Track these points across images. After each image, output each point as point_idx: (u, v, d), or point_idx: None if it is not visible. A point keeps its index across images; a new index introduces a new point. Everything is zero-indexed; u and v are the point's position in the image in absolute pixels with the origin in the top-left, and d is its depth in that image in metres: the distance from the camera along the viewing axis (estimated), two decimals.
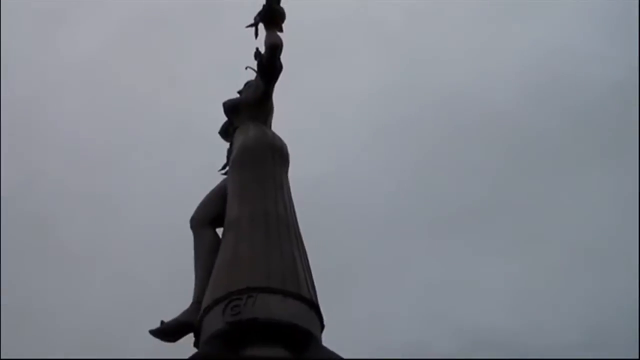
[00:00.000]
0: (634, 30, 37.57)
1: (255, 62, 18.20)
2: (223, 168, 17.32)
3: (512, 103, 41.71)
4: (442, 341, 33.12)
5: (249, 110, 16.88)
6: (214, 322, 13.26)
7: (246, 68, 18.27)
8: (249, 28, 16.94)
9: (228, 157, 17.31)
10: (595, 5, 42.85)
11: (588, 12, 43.15)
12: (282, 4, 16.77)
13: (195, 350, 13.87)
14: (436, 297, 35.45)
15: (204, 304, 13.75)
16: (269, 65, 16.37)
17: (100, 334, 32.72)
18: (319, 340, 13.56)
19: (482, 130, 41.20)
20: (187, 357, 13.29)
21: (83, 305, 35.01)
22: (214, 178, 17.07)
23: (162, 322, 14.41)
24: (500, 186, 39.90)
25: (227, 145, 17.37)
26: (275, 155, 15.84)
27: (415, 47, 43.53)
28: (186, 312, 14.36)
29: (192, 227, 15.72)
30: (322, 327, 13.88)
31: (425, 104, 41.74)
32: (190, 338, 14.28)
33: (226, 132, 17.51)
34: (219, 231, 15.55)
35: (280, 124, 17.44)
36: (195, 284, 14.78)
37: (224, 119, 17.65)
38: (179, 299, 15.03)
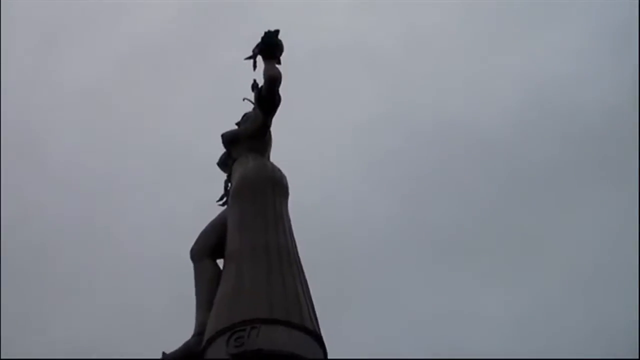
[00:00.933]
0: (626, 56, 37.92)
1: (253, 94, 18.49)
2: (221, 199, 17.41)
3: (506, 131, 42.09)
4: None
5: (248, 142, 16.97)
6: (218, 354, 13.16)
7: (244, 100, 18.44)
8: (247, 60, 17.00)
9: (226, 189, 17.43)
10: (587, 33, 43.32)
11: (581, 39, 43.63)
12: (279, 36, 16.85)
13: None
14: (432, 326, 35.39)
15: (207, 335, 13.66)
16: (268, 97, 16.49)
17: None
18: None
19: (478, 159, 41.57)
20: None
21: (81, 336, 34.79)
22: (212, 209, 17.15)
23: (163, 354, 14.32)
24: (496, 214, 40.10)
25: (224, 176, 17.44)
26: (275, 187, 15.86)
27: (408, 76, 44.05)
28: (188, 344, 14.29)
29: (192, 257, 15.72)
30: (326, 357, 13.84)
31: (419, 132, 42.11)
32: None
33: (225, 164, 17.56)
34: (219, 262, 15.54)
35: (276, 153, 17.58)
36: (197, 316, 14.73)
37: (222, 150, 17.72)
38: (176, 330, 15.00)
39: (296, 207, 16.33)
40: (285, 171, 16.56)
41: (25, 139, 42.87)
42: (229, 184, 17.38)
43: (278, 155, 17.35)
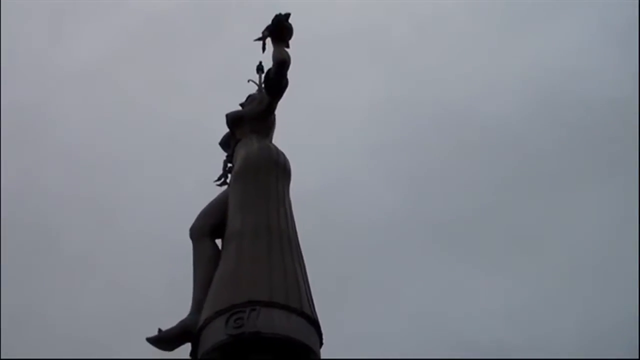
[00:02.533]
0: (632, 49, 37.77)
1: (258, 75, 18.50)
2: (219, 179, 17.47)
3: (512, 118, 42.12)
4: (441, 355, 33.05)
5: (252, 124, 17.00)
6: (216, 334, 13.16)
7: (248, 81, 18.50)
8: (256, 41, 16.94)
9: (224, 168, 17.53)
10: (595, 23, 43.16)
11: (588, 29, 43.54)
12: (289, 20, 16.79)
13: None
14: (435, 311, 35.52)
15: (205, 315, 13.64)
16: (276, 80, 16.45)
17: (95, 341, 32.65)
18: (318, 356, 13.53)
19: (483, 145, 41.58)
20: None
21: (79, 311, 34.93)
22: (214, 189, 17.14)
23: (159, 330, 14.26)
24: (499, 201, 40.15)
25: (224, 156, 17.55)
26: (278, 171, 15.86)
27: (417, 62, 44.04)
28: (184, 322, 14.21)
29: (191, 236, 15.63)
30: (321, 343, 13.87)
31: (426, 118, 42.17)
32: (186, 348, 14.14)
33: (227, 144, 17.62)
34: (218, 242, 15.49)
35: (283, 136, 17.55)
36: (194, 294, 14.66)
37: (224, 130, 17.75)
38: (175, 307, 14.94)
39: (298, 193, 16.31)
40: (288, 154, 16.53)
41: (31, 116, 42.92)
42: (228, 164, 17.46)
43: (282, 141, 17.29)
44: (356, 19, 43.62)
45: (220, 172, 17.59)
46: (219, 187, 17.24)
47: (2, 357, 24.84)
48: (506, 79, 43.49)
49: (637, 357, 25.04)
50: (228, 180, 17.26)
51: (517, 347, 33.13)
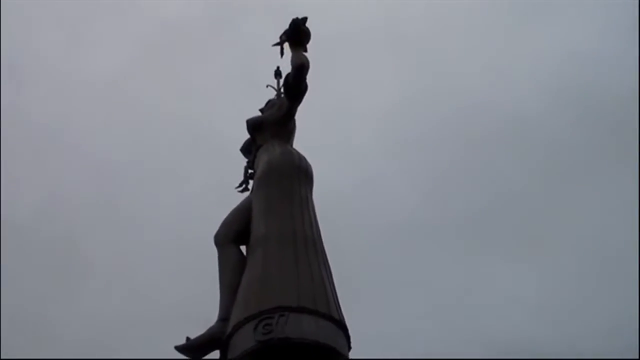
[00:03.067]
0: None
1: (275, 80, 18.50)
2: (240, 185, 17.54)
3: (532, 110, 41.84)
4: (463, 350, 33.00)
5: (273, 129, 17.03)
6: (245, 340, 13.14)
7: (267, 86, 18.54)
8: (274, 46, 17.00)
9: (245, 174, 17.60)
10: (616, 9, 42.73)
11: (608, 16, 43.14)
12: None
13: None
14: (457, 306, 35.41)
15: (234, 321, 13.63)
16: (295, 85, 16.46)
17: (113, 349, 32.85)
18: (345, 358, 13.45)
19: (503, 138, 41.36)
20: None
21: (96, 318, 35.10)
22: (233, 193, 17.32)
23: (187, 339, 14.28)
24: (522, 195, 39.99)
25: (244, 160, 17.61)
26: (301, 176, 15.86)
27: (434, 57, 43.81)
28: (212, 329, 14.23)
29: (216, 243, 15.62)
30: (350, 348, 13.84)
31: (445, 113, 41.87)
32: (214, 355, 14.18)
33: (248, 150, 17.63)
34: (243, 249, 15.48)
35: (302, 138, 17.57)
36: (221, 301, 14.67)
37: (244, 133, 17.75)
38: (195, 314, 14.94)
39: (320, 192, 16.31)
40: (309, 156, 16.55)
41: (49, 124, 43.18)
42: (249, 171, 17.49)
43: (302, 141, 17.35)
44: (372, 15, 43.49)
45: (241, 177, 17.61)
46: (239, 193, 17.32)
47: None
48: (524, 69, 43.27)
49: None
50: (249, 187, 17.27)
51: (541, 336, 33.02)
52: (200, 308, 14.84)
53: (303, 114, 17.49)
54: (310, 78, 16.61)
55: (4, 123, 39.01)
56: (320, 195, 16.24)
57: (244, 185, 17.55)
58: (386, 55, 44.30)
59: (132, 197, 40.53)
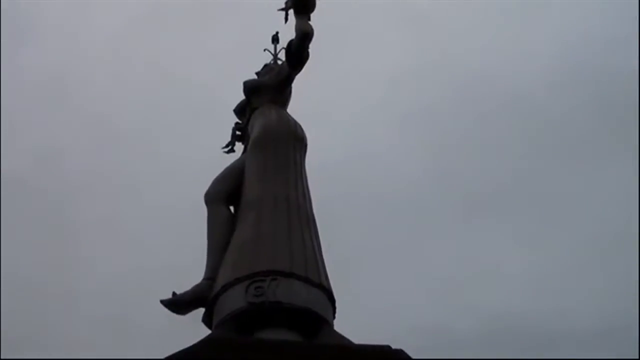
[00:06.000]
0: None
1: (272, 45, 18.48)
2: (227, 146, 17.60)
3: (538, 89, 41.75)
4: (461, 325, 33.29)
5: (270, 93, 16.99)
6: (234, 301, 13.17)
7: (264, 50, 18.51)
8: (279, 11, 17.04)
9: (233, 136, 17.65)
10: None
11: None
12: None
13: (202, 323, 13.95)
14: (455, 281, 35.53)
15: (223, 281, 13.61)
16: (298, 53, 16.36)
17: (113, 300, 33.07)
18: (332, 327, 13.61)
19: (507, 116, 41.27)
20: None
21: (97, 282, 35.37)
22: (229, 158, 17.19)
23: (174, 294, 14.28)
24: (522, 172, 39.98)
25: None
26: (296, 143, 15.91)
27: (441, 30, 43.60)
28: (199, 287, 14.20)
29: (206, 201, 15.57)
30: (334, 316, 13.98)
31: (450, 87, 41.75)
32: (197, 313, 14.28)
33: (242, 112, 17.61)
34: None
35: (305, 106, 17.57)
36: (208, 259, 14.59)
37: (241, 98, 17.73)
38: (191, 274, 14.99)
39: (322, 162, 16.26)
40: (314, 122, 16.65)
41: (53, 84, 43.06)
42: (237, 132, 17.57)
43: (305, 109, 17.31)
44: None
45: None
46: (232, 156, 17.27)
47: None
48: (531, 47, 43.00)
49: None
50: (235, 148, 17.47)
51: (539, 314, 33.18)
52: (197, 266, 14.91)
53: (308, 79, 17.50)
54: (316, 43, 16.46)
55: (4, 75, 38.91)
56: (322, 162, 16.24)
57: (230, 146, 17.61)
58: (395, 26, 43.98)
59: (135, 160, 40.50)
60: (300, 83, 17.33)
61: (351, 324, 14.15)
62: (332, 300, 13.90)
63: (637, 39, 37.27)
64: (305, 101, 17.69)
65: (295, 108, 17.35)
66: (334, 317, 13.94)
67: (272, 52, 18.51)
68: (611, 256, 35.51)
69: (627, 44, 40.63)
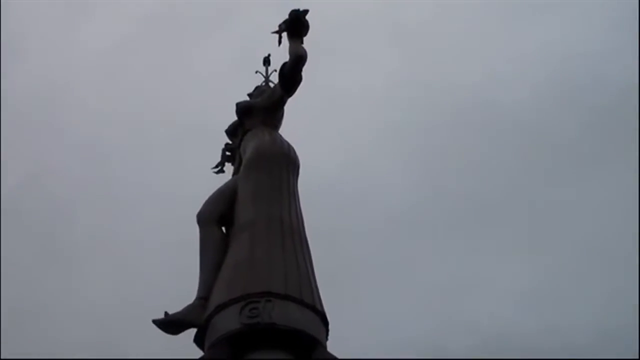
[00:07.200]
0: None
1: (264, 67, 18.64)
2: (216, 167, 17.75)
3: (526, 102, 42.00)
4: (454, 339, 33.24)
5: (262, 115, 17.10)
6: (228, 322, 13.15)
7: (256, 72, 18.66)
8: (271, 34, 17.03)
9: (223, 156, 17.80)
10: (611, 5, 42.76)
11: (604, 12, 43.25)
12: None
13: (195, 344, 13.89)
14: (448, 295, 35.41)
15: (217, 301, 13.60)
16: (292, 75, 16.54)
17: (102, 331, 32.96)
18: (325, 349, 13.60)
19: (496, 129, 41.47)
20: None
21: (90, 305, 35.18)
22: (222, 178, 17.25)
23: (166, 314, 14.15)
24: (513, 185, 40.07)
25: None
26: (289, 165, 15.93)
27: (430, 45, 43.80)
28: (191, 307, 14.16)
29: (199, 222, 15.54)
30: (327, 338, 13.97)
31: (438, 102, 41.95)
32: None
33: (234, 133, 17.70)
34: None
35: (299, 121, 17.66)
36: (201, 279, 14.57)
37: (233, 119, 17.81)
38: (182, 295, 14.97)
39: (314, 177, 16.30)
40: (302, 138, 16.77)
41: (45, 100, 43.11)
42: (227, 152, 17.69)
43: (297, 126, 17.38)
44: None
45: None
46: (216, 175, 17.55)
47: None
48: (520, 62, 43.45)
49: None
50: (224, 169, 17.57)
51: (528, 332, 33.22)
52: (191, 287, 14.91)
53: (301, 96, 17.53)
54: (308, 58, 16.55)
55: None
56: (314, 178, 16.30)
57: (219, 167, 17.69)
58: (386, 41, 44.36)
59: (126, 177, 40.42)
60: (292, 100, 17.42)
61: (345, 339, 14.32)
62: (325, 322, 13.92)
63: (637, 48, 37.44)
64: (298, 116, 17.75)
65: (287, 125, 17.53)
66: (327, 339, 13.94)
67: (264, 74, 18.66)
68: (609, 268, 35.56)
69: (618, 58, 41.01)
